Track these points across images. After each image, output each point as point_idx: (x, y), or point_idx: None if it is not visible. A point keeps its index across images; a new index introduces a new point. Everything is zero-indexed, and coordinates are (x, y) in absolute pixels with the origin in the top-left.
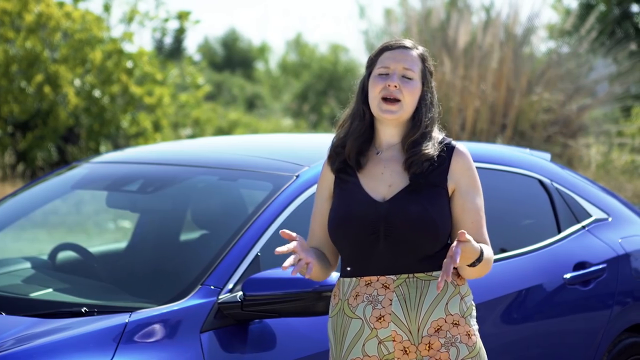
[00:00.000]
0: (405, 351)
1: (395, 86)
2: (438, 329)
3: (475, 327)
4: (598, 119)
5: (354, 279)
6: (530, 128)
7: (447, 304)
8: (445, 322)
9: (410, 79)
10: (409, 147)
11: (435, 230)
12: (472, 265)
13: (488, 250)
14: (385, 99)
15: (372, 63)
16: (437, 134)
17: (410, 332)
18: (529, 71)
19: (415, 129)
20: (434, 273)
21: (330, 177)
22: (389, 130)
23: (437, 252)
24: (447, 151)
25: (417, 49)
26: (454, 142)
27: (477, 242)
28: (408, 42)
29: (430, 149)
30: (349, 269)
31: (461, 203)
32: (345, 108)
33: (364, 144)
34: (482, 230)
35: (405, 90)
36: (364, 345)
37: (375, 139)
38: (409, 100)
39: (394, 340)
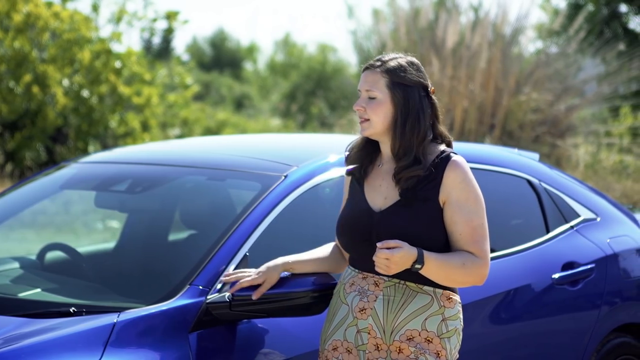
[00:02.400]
0: (377, 347)
1: (361, 109)
2: (410, 339)
3: (453, 350)
4: (586, 119)
5: (355, 269)
6: (519, 128)
7: (426, 319)
8: (419, 335)
9: (373, 98)
10: (396, 159)
11: (420, 244)
12: (414, 268)
13: (456, 263)
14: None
15: None
16: (433, 146)
17: (384, 331)
18: (517, 71)
19: (394, 142)
20: (425, 287)
21: (347, 180)
22: (383, 145)
23: None
24: (442, 164)
25: (384, 64)
26: (452, 155)
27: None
28: (372, 62)
29: (417, 167)
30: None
31: (450, 215)
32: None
33: (367, 157)
34: (473, 244)
35: (370, 110)
36: (346, 330)
37: (379, 152)
38: (375, 118)
39: (369, 334)
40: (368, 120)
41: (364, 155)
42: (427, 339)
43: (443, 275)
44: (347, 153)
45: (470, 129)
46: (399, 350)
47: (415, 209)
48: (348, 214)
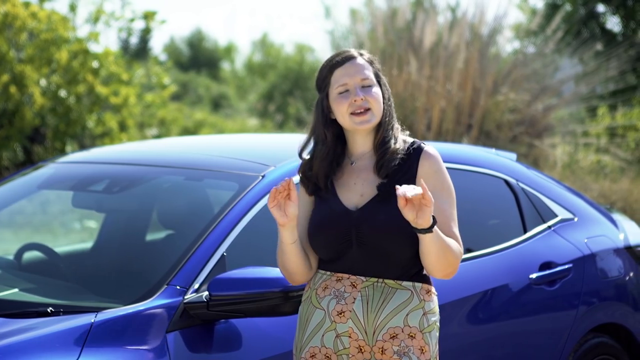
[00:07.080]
0: (360, 349)
1: (362, 99)
2: (393, 336)
3: (434, 346)
4: (564, 119)
5: (327, 272)
6: (496, 128)
7: (407, 315)
8: (402, 332)
9: (370, 86)
10: (379, 147)
11: (404, 236)
12: (425, 231)
13: (452, 241)
14: (355, 113)
15: (325, 84)
16: (402, 135)
17: (365, 332)
18: (495, 71)
19: (380, 132)
20: (404, 283)
21: (308, 196)
22: (361, 138)
23: (409, 260)
24: (415, 154)
25: (362, 55)
26: (423, 145)
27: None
28: (353, 52)
29: (397, 144)
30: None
31: None
32: (305, 129)
33: (332, 163)
34: (450, 232)
35: (371, 98)
36: (323, 336)
37: (347, 150)
38: (377, 106)
39: (349, 337)
40: (369, 110)
41: (330, 163)
42: (410, 334)
43: (440, 246)
44: (301, 169)
45: (447, 129)
46: (382, 351)
47: (395, 202)
48: (323, 218)
